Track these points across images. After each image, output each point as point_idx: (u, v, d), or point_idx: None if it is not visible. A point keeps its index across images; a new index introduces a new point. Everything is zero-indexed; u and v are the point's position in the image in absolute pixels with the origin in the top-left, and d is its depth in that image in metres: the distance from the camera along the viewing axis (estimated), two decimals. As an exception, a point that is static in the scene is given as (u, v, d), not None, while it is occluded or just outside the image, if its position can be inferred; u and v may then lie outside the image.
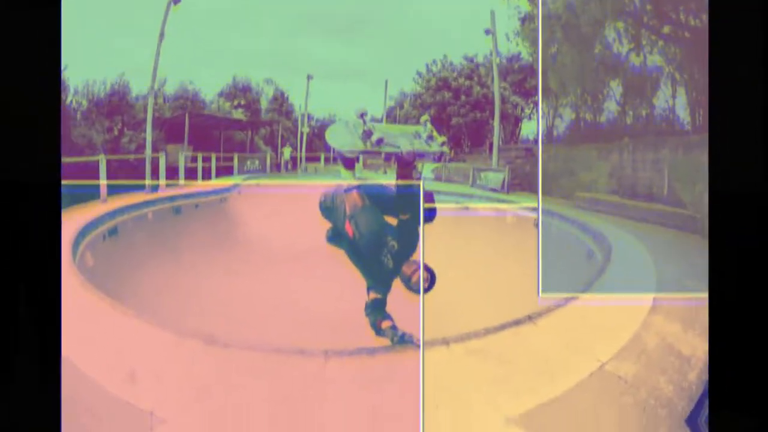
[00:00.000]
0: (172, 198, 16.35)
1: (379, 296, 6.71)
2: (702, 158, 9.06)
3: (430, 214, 6.82)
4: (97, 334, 6.69)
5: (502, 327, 6.89)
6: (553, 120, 16.17)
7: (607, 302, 7.69)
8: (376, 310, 6.66)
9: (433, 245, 7.15)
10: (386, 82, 34.28)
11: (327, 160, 33.62)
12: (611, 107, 15.51)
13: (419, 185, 6.74)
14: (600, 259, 10.36)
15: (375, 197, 6.66)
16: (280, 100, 37.99)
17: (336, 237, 7.09)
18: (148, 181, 20.14)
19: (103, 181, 15.63)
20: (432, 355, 6.25)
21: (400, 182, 6.76)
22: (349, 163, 6.96)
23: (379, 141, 6.69)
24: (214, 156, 25.87)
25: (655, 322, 7.07)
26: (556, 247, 11.65)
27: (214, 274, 14.80)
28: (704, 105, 11.95)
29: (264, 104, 36.44)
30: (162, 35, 23.70)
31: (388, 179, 7.02)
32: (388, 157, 7.13)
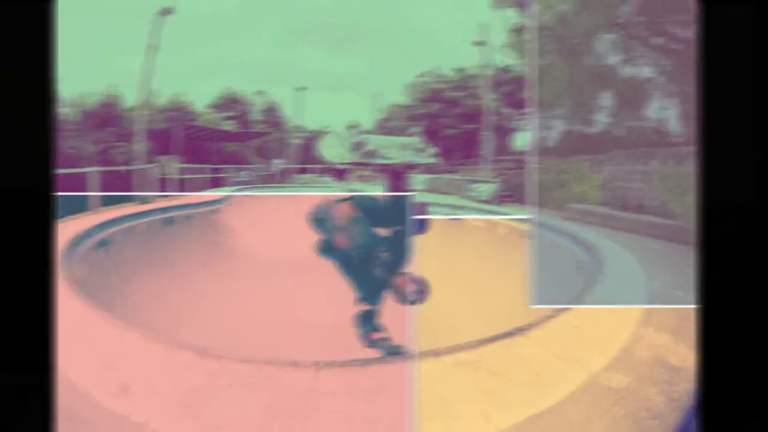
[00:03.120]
0: (163, 209, 16.38)
1: (370, 308, 6.71)
2: (693, 169, 9.13)
3: (422, 226, 6.82)
4: (89, 346, 6.69)
5: (494, 338, 6.90)
6: (545, 131, 16.24)
7: (598, 314, 7.72)
8: (368, 322, 6.67)
9: (424, 256, 7.17)
10: (378, 94, 34.36)
11: (318, 171, 33.78)
12: (602, 119, 15.59)
13: (410, 196, 6.75)
14: (591, 270, 10.38)
15: (366, 209, 6.67)
16: (271, 112, 38.23)
17: (327, 248, 7.09)
18: (139, 193, 20.21)
19: (95, 193, 15.66)
20: (423, 366, 6.25)
21: (392, 193, 6.78)
22: (340, 175, 7.00)
23: (371, 152, 6.71)
24: (205, 167, 25.96)
25: (645, 334, 7.08)
26: (548, 258, 11.69)
27: (205, 285, 14.82)
28: (693, 116, 12.07)
29: (255, 116, 36.71)
30: (154, 47, 23.84)
31: (380, 190, 7.04)
32: (379, 168, 7.15)
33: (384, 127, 36.23)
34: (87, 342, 6.80)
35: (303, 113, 32.91)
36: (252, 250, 17.44)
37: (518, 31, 26.31)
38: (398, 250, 6.67)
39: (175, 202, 17.87)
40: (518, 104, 33.21)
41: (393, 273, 6.60)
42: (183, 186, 23.42)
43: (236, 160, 31.97)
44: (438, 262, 13.75)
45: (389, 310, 6.81)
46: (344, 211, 6.64)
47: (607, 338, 6.99)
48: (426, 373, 6.17)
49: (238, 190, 23.03)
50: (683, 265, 10.21)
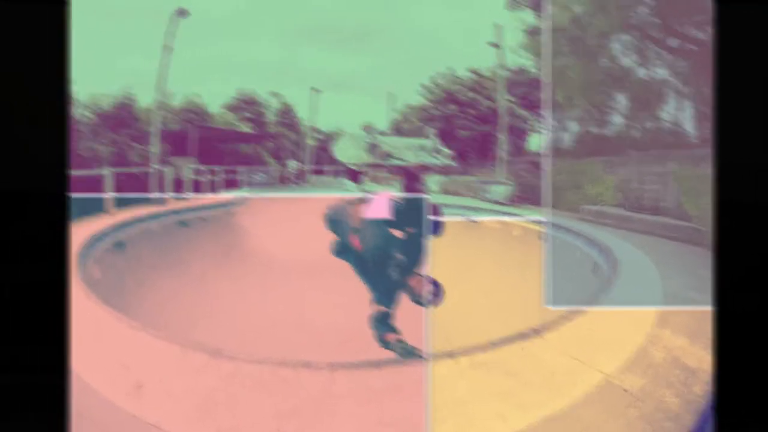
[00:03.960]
0: (178, 211, 16.38)
1: (385, 309, 6.69)
2: (708, 171, 9.09)
3: (437, 227, 6.81)
4: (103, 347, 6.71)
5: (509, 340, 6.89)
6: (559, 133, 16.20)
7: (613, 315, 7.69)
8: (382, 323, 6.65)
9: (439, 258, 7.16)
10: (392, 95, 34.23)
11: (333, 173, 33.72)
12: (617, 120, 15.55)
13: (426, 198, 6.74)
14: (606, 272, 10.34)
15: (381, 210, 6.66)
16: (286, 113, 38.07)
17: (342, 250, 7.08)
18: (154, 194, 20.20)
19: (109, 194, 15.67)
20: (438, 368, 6.24)
21: (407, 195, 6.77)
22: (356, 176, 6.98)
23: (386, 154, 6.72)
24: (220, 169, 25.92)
25: (661, 335, 7.06)
26: (563, 260, 11.67)
27: (220, 287, 14.83)
28: (710, 118, 12.00)
29: (270, 117, 36.54)
30: (168, 49, 23.79)
31: (395, 192, 7.03)
32: (394, 169, 7.16)
33: (398, 129, 36.08)
34: (101, 343, 6.82)
35: (317, 114, 32.80)
36: (267, 251, 17.43)
37: (533, 32, 26.23)
38: (413, 252, 6.66)
39: (190, 204, 17.89)
40: (533, 106, 33.04)
41: (408, 274, 6.59)
42: (198, 187, 23.37)
43: (251, 161, 31.87)
44: (453, 263, 13.71)
45: (404, 311, 6.80)
46: (359, 213, 6.64)
47: (623, 340, 6.97)
48: (441, 374, 6.16)
49: (254, 192, 22.98)
50: (699, 266, 10.18)
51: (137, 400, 5.70)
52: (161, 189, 21.62)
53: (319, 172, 35.05)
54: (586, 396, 5.86)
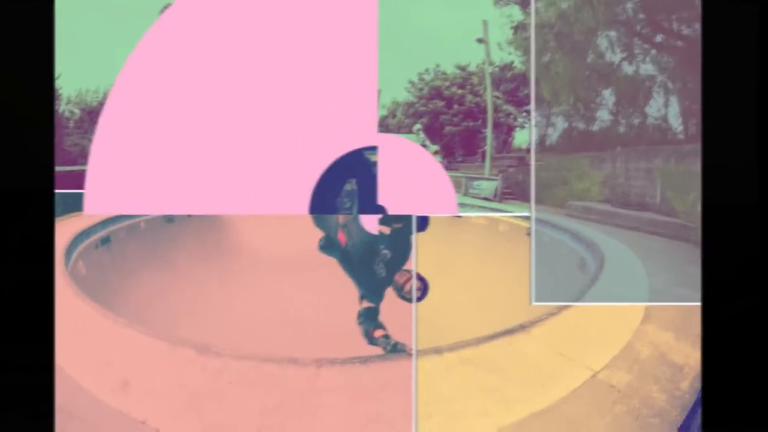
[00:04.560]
0: (164, 206, 16.23)
1: (371, 305, 6.70)
2: (694, 167, 9.08)
3: (423, 223, 6.82)
4: (89, 344, 6.68)
5: (495, 336, 6.89)
6: (546, 129, 16.16)
7: (599, 311, 7.69)
8: (369, 319, 6.66)
9: (425, 254, 7.15)
10: (378, 91, 34.13)
11: (320, 168, 33.45)
12: (604, 116, 15.49)
13: (411, 195, 6.75)
14: (592, 268, 10.35)
15: (368, 206, 6.66)
16: (273, 110, 37.93)
17: (328, 246, 7.08)
18: (140, 190, 20.07)
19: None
20: (424, 364, 6.24)
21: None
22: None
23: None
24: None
25: (647, 331, 7.07)
26: (549, 256, 11.65)
27: (206, 283, 14.77)
28: (697, 114, 11.96)
29: (256, 113, 36.33)
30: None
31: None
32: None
33: (385, 125, 35.92)
34: (87, 339, 6.79)
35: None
36: (253, 247, 17.36)
37: (520, 28, 26.21)
38: (399, 248, 6.67)
39: (176, 200, 17.76)
40: (519, 101, 32.88)
41: (394, 270, 6.60)
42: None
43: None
44: (439, 259, 13.69)
45: (390, 307, 6.80)
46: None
47: (609, 335, 6.98)
48: (427, 370, 6.16)
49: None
50: (685, 262, 10.19)
51: (123, 396, 5.69)
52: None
53: (306, 168, 34.81)
54: (572, 392, 5.87)
